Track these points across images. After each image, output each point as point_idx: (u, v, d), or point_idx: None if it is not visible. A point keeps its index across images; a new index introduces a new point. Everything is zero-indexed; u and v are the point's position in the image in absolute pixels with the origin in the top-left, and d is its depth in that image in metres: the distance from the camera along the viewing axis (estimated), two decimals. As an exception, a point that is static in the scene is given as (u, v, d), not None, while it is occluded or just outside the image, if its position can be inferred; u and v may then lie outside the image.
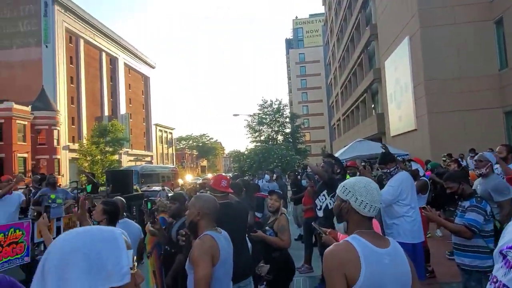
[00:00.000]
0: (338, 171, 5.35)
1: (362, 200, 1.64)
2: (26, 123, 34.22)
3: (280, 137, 44.80)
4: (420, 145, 16.51)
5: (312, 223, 3.37)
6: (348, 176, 5.84)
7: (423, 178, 6.54)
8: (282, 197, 4.59)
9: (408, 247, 3.93)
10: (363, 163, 11.20)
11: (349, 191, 1.68)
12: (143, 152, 59.28)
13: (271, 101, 44.56)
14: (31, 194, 7.51)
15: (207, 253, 2.21)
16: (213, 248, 2.25)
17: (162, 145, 68.70)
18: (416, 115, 17.12)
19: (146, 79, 64.91)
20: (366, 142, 16.60)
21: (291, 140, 44.20)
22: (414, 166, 6.20)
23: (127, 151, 49.92)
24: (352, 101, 34.38)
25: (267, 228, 4.12)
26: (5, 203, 6.26)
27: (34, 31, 41.01)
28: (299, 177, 10.38)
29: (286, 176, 13.40)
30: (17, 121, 33.28)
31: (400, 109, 19.53)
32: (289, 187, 11.78)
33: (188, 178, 43.66)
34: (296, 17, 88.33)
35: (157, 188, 16.02)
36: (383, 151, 4.94)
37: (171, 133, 74.62)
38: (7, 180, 6.74)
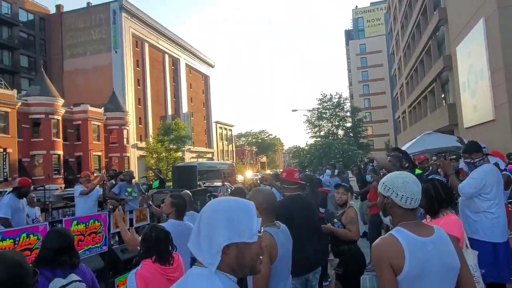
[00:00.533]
0: (407, 165, 4.97)
1: (403, 195, 1.75)
2: (99, 124, 37.09)
3: (340, 132, 43.66)
4: (499, 137, 14.97)
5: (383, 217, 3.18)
6: (418, 171, 5.42)
7: (505, 172, 5.86)
8: (349, 190, 4.46)
9: (487, 246, 3.56)
10: (434, 157, 10.41)
11: (389, 188, 1.79)
12: (205, 149, 61.30)
13: (331, 95, 43.58)
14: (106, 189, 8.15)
15: (265, 251, 2.23)
16: (271, 246, 2.26)
17: (223, 142, 70.42)
18: (494, 104, 15.54)
19: (206, 78, 66.96)
20: (437, 134, 15.39)
21: (352, 135, 42.87)
22: (492, 160, 5.55)
23: (190, 148, 51.95)
24: (419, 92, 32.29)
25: (335, 220, 4.08)
26: (86, 197, 6.95)
27: (104, 39, 44.23)
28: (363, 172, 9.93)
29: (350, 170, 12.95)
30: (92, 122, 36.20)
31: (475, 98, 17.88)
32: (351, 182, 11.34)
33: (248, 174, 44.26)
34: (356, 6, 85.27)
35: (218, 184, 16.37)
36: (460, 141, 4.49)
37: (230, 130, 76.17)
38: (86, 175, 7.46)
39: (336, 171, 11.30)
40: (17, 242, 4.08)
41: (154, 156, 37.45)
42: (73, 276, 2.28)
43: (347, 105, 45.33)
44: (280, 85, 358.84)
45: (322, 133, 42.79)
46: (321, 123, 43.12)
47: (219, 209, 1.15)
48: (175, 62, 55.76)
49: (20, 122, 29.50)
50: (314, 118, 43.14)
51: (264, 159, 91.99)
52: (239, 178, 35.05)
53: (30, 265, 1.36)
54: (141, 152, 41.27)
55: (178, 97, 55.41)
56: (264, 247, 1.19)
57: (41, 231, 4.15)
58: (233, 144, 77.78)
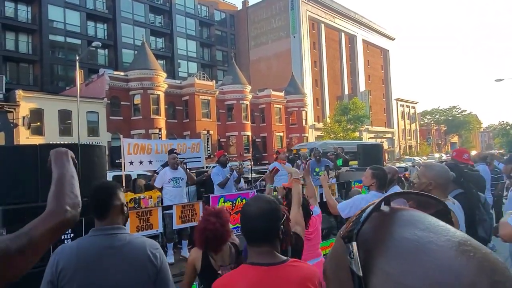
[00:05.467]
0: None
1: None
2: (281, 106, 39.63)
3: None
4: None
5: None
6: None
7: None
8: None
9: None
10: None
11: None
12: (384, 129, 57.92)
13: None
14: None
15: None
16: (454, 222, 1.82)
17: (404, 121, 65.04)
18: None
19: (385, 53, 62.61)
20: None
21: None
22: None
23: (367, 128, 49.99)
24: None
25: None
26: (279, 175, 7.55)
27: (283, 25, 46.65)
28: None
29: None
30: (274, 105, 38.98)
31: None
32: None
33: (435, 156, 39.70)
34: None
35: (403, 164, 14.98)
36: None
37: (414, 107, 69.56)
38: (283, 152, 8.36)
39: None
40: (234, 205, 5.24)
41: (332, 136, 37.55)
42: None
43: None
44: (478, 51, 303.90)
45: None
46: (539, 93, 34.05)
47: None
48: (351, 39, 54.11)
49: (218, 108, 34.34)
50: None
51: (455, 139, 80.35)
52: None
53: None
54: (319, 133, 42.09)
55: (355, 75, 53.81)
56: None
57: (250, 197, 4.99)
58: (417, 122, 70.78)
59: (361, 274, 0.38)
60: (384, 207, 0.45)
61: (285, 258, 1.52)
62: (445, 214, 0.46)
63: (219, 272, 1.96)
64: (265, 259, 1.46)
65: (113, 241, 1.71)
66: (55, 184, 1.19)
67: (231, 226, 4.73)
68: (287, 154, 8.16)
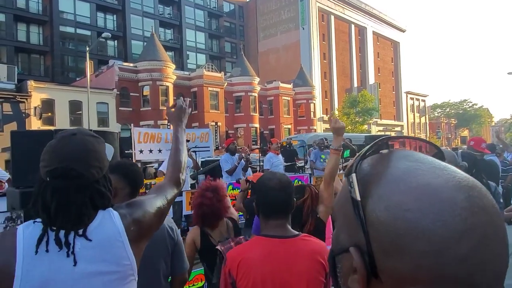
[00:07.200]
0: None
1: None
2: (289, 98, 39.54)
3: None
4: None
5: None
6: None
7: None
8: None
9: None
10: None
11: None
12: (393, 122, 57.49)
13: None
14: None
15: None
16: None
17: (414, 114, 64.43)
18: None
19: (395, 45, 61.82)
20: None
21: None
22: None
23: (376, 121, 49.67)
24: None
25: None
26: (276, 165, 7.65)
27: (292, 17, 46.28)
28: None
29: None
30: (283, 98, 38.90)
31: None
32: None
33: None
34: None
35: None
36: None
37: (424, 100, 68.74)
38: (276, 142, 8.33)
39: None
40: (242, 192, 5.43)
41: (340, 129, 37.46)
42: None
43: None
44: (489, 42, 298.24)
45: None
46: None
47: None
48: (361, 31, 53.51)
49: (226, 100, 34.40)
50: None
51: (465, 132, 79.44)
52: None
53: None
54: (327, 125, 41.88)
55: (365, 68, 53.32)
56: None
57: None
58: (427, 116, 70.05)
59: (359, 198, 0.44)
60: (383, 150, 0.51)
61: (297, 232, 1.60)
62: (441, 158, 0.50)
63: (218, 247, 1.99)
64: (278, 231, 1.55)
65: None
66: (175, 154, 1.44)
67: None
68: (279, 144, 8.20)
